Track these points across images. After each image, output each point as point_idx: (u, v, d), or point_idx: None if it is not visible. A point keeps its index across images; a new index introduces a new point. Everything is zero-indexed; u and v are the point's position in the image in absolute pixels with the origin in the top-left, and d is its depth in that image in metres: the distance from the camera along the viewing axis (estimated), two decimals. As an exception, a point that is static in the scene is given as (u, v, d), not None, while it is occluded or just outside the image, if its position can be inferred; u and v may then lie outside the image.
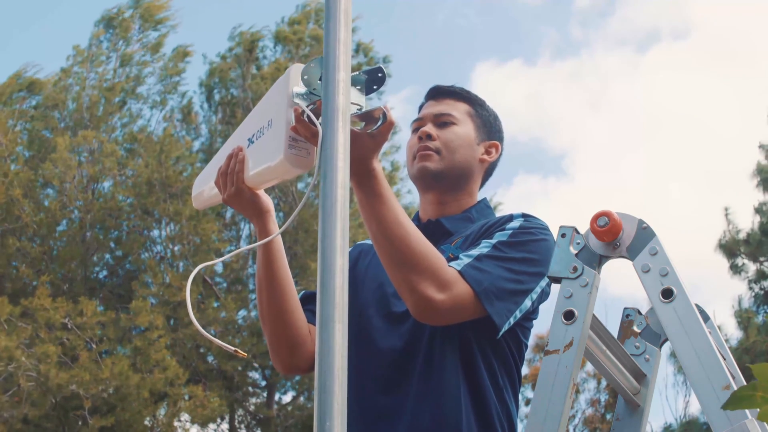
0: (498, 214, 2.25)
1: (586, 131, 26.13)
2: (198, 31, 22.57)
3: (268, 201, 2.12)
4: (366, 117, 1.88)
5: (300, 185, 13.65)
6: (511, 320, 2.00)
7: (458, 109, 2.26)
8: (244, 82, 14.55)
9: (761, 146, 14.02)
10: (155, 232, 13.97)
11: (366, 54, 15.22)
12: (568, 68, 26.48)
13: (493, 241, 2.05)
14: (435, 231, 2.17)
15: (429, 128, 2.22)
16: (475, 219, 2.21)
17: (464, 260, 1.99)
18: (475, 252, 2.02)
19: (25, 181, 13.34)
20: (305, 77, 1.84)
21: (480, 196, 2.30)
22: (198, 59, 18.04)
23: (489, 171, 2.31)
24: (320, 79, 1.81)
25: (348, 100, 1.48)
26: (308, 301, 2.21)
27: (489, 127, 2.29)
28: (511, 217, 2.13)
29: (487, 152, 2.27)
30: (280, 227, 2.07)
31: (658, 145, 25.97)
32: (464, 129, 2.24)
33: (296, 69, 1.89)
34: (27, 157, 14.11)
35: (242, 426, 14.28)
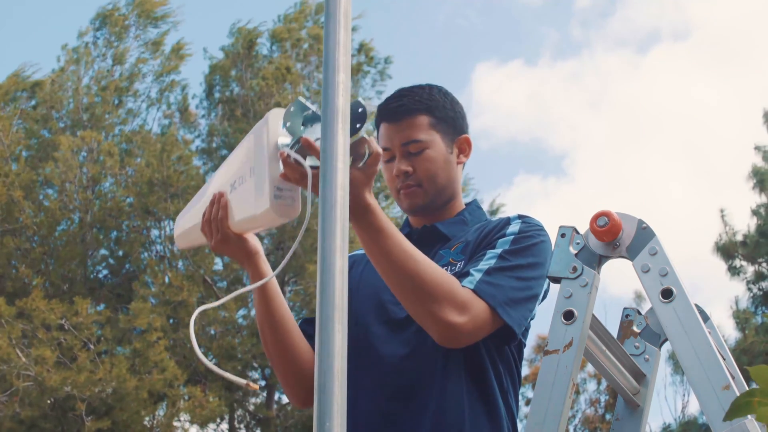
0: (499, 216, 2.24)
1: (586, 131, 26.13)
2: (198, 30, 22.59)
3: (255, 243, 2.09)
4: (351, 152, 1.79)
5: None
6: (524, 326, 2.02)
7: (420, 128, 2.15)
8: (243, 81, 14.53)
9: (757, 148, 14.02)
10: (155, 232, 13.99)
11: (367, 54, 15.19)
12: (568, 68, 26.48)
13: (498, 250, 2.03)
14: (431, 236, 2.17)
15: (402, 165, 2.14)
16: (469, 221, 2.20)
17: (475, 276, 1.98)
18: (483, 266, 2.00)
19: (26, 181, 13.33)
20: (287, 124, 1.81)
21: (470, 193, 2.28)
22: (197, 57, 18.04)
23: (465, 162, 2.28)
24: (303, 124, 1.80)
25: (348, 101, 1.48)
26: (308, 326, 2.18)
27: (452, 123, 2.20)
28: (508, 221, 2.11)
29: (461, 151, 2.22)
30: (271, 256, 2.05)
31: (658, 145, 25.98)
32: (435, 149, 2.15)
33: (275, 115, 1.87)
34: (27, 157, 14.10)
35: (242, 426, 14.28)
